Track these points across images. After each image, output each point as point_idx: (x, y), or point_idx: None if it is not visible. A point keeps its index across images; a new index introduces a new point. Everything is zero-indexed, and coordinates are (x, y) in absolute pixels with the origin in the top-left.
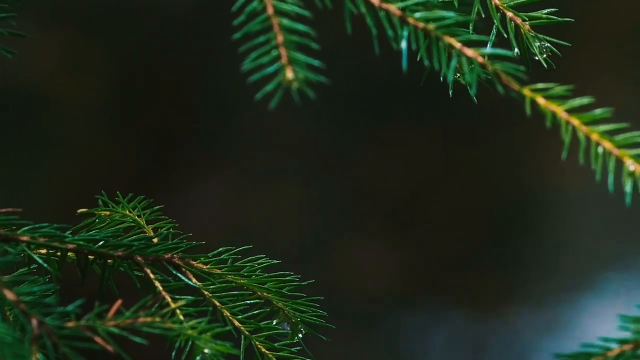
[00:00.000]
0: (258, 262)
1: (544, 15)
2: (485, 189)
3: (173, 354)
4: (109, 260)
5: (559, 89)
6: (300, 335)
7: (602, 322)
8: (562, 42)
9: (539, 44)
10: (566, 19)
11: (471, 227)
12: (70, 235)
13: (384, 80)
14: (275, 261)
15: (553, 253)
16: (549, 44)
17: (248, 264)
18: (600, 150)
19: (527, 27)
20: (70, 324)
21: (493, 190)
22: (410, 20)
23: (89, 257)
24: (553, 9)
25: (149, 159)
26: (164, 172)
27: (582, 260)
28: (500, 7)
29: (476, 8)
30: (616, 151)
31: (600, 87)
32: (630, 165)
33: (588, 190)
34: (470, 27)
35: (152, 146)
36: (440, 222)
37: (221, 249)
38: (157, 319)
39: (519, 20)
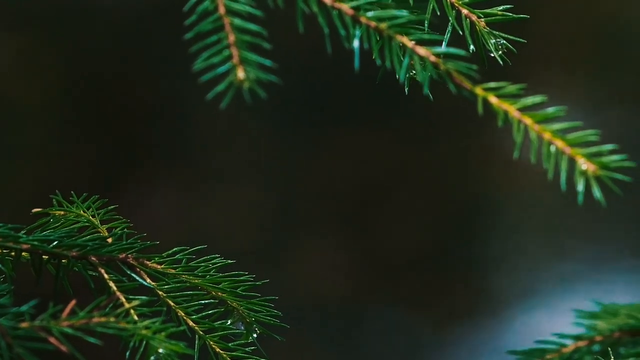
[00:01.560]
0: (212, 262)
1: (499, 12)
2: (437, 190)
3: (127, 353)
4: (63, 261)
5: (511, 88)
6: (254, 335)
7: (556, 319)
8: (518, 39)
9: (494, 40)
10: (521, 15)
11: (423, 228)
12: (24, 235)
13: (337, 80)
14: (229, 261)
15: (504, 253)
16: (504, 41)
17: (202, 264)
18: (552, 149)
19: (483, 24)
20: (24, 325)
21: (445, 191)
22: (363, 20)
23: (43, 257)
24: (508, 6)
25: (103, 160)
26: (119, 174)
27: (533, 260)
28: (456, 5)
29: (431, 6)
30: (568, 150)
31: (552, 86)
32: (583, 164)
33: (539, 190)
34: (425, 26)
35: (107, 148)
36: (393, 224)
37: (175, 248)
38: (111, 319)
39: (474, 18)
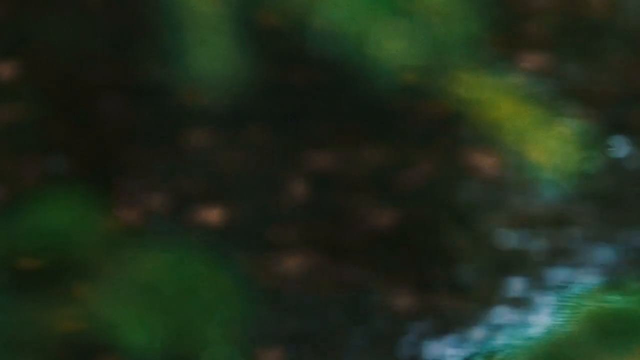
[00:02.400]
0: None
1: None
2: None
3: None
4: None
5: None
6: None
7: (508, 318)
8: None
9: None
10: None
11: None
12: None
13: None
14: None
15: (458, 253)
16: None
17: None
18: (515, 143)
19: None
20: None
21: (388, 193)
22: None
23: None
24: None
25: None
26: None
27: (492, 260)
28: None
29: None
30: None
31: (531, 65)
32: (544, 156)
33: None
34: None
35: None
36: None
37: None
38: None
39: None
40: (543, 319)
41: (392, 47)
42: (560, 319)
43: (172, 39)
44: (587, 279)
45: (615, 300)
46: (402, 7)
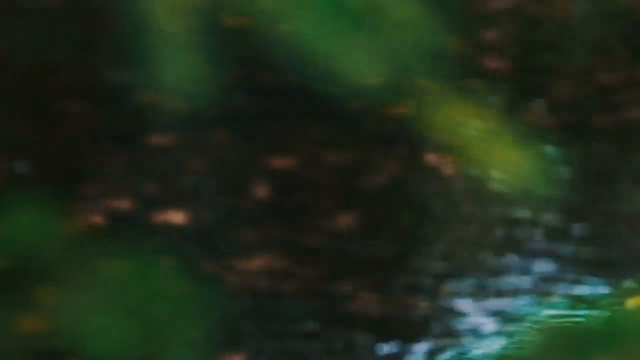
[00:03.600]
0: None
1: None
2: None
3: None
4: None
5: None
6: None
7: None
8: None
9: None
10: None
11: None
12: None
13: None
14: None
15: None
16: None
17: None
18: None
19: None
20: None
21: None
22: None
23: None
24: None
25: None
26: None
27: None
28: None
29: None
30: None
31: (491, 70)
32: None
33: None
34: None
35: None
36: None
37: None
38: None
39: None
40: (502, 326)
41: (355, 56)
42: (521, 332)
43: (137, 43)
44: (542, 285)
45: (577, 315)
46: (363, 18)
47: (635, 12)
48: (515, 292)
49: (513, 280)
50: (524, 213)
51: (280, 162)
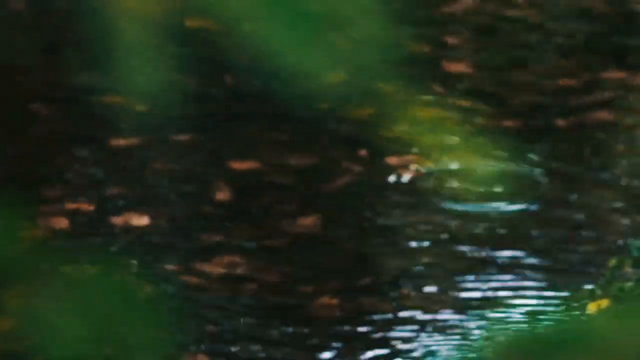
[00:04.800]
0: None
1: None
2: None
3: None
4: None
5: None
6: None
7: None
8: None
9: None
10: None
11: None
12: None
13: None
14: None
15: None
16: None
17: None
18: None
19: None
20: None
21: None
22: None
23: None
24: None
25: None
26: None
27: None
28: None
29: None
30: None
31: (452, 73)
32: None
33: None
34: None
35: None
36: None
37: None
38: None
39: None
40: (462, 333)
41: (317, 58)
42: (480, 340)
43: (102, 46)
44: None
45: (537, 323)
46: (325, 20)
47: (598, 15)
48: (474, 300)
49: (473, 287)
50: (485, 216)
51: (243, 165)
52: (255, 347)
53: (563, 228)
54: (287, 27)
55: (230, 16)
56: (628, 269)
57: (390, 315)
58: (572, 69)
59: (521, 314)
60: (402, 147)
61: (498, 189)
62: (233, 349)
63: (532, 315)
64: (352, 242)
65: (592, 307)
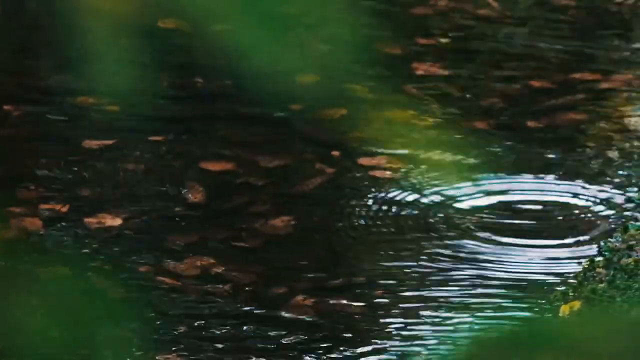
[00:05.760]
0: None
1: None
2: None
3: None
4: None
5: None
6: None
7: None
8: None
9: None
10: None
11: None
12: None
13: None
14: None
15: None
16: None
17: None
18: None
19: None
20: None
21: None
22: None
23: None
24: None
25: None
26: None
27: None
28: None
29: None
30: None
31: (423, 75)
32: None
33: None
34: None
35: None
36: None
37: None
38: None
39: None
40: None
41: (289, 59)
42: (449, 342)
43: (73, 47)
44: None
45: (508, 324)
46: (297, 21)
47: (565, 16)
48: (444, 301)
49: (446, 287)
50: (458, 216)
51: (216, 166)
52: (228, 348)
53: (536, 227)
54: (259, 28)
55: (202, 17)
56: (600, 271)
57: (363, 316)
58: (543, 70)
59: (491, 315)
60: (374, 148)
61: (469, 187)
62: (206, 349)
63: (502, 316)
64: (325, 243)
65: (564, 309)
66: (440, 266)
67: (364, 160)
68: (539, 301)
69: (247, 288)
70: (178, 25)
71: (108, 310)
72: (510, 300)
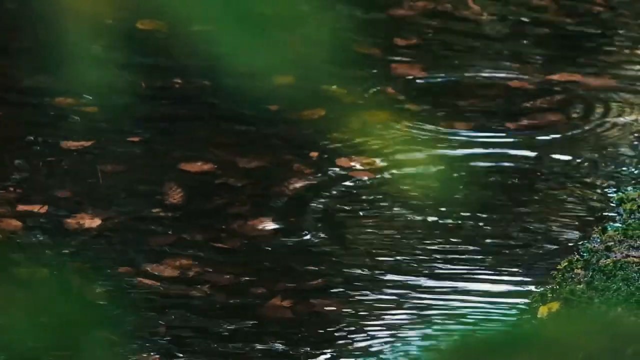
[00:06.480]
0: None
1: None
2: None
3: None
4: None
5: None
6: None
7: None
8: None
9: None
10: None
11: None
12: None
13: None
14: None
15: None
16: None
17: None
18: None
19: None
20: None
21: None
22: None
23: None
24: None
25: None
26: None
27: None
28: None
29: None
30: None
31: (401, 75)
32: None
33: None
34: None
35: None
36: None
37: None
38: None
39: None
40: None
41: (268, 60)
42: (429, 344)
43: (52, 49)
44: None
45: (487, 326)
46: (275, 22)
47: (547, 17)
48: (426, 301)
49: (426, 288)
50: (435, 218)
51: (194, 167)
52: (207, 349)
53: (514, 229)
54: (237, 29)
55: (180, 18)
56: (579, 272)
57: (342, 317)
58: (523, 71)
59: (471, 317)
60: (352, 148)
61: (448, 190)
62: (184, 350)
63: (481, 318)
64: (303, 244)
65: (542, 311)
66: (422, 265)
67: (342, 161)
68: (518, 303)
69: (225, 289)
70: (156, 27)
71: (87, 311)
72: (490, 302)
